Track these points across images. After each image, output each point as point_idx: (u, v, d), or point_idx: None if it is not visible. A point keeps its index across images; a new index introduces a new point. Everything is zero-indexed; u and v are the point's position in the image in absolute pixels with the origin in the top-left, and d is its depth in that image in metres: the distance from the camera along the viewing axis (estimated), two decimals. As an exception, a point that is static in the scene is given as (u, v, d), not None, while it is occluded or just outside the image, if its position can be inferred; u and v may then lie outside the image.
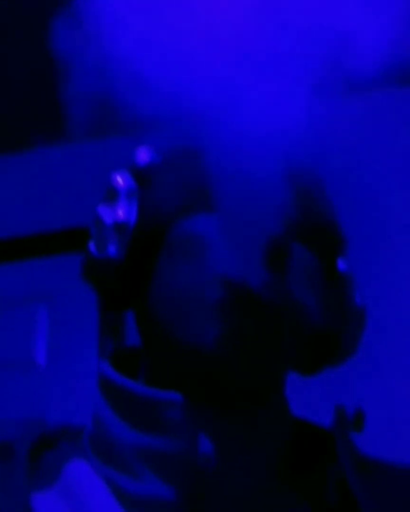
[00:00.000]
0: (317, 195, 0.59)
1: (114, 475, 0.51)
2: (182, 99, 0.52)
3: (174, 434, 0.49)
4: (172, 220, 0.57)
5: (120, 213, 0.58)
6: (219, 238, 0.54)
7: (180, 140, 0.67)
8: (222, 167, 0.55)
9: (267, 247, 0.51)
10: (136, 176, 0.63)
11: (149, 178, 0.62)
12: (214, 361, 0.50)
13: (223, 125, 0.55)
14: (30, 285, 1.84)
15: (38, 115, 1.92)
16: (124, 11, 0.53)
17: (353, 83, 0.51)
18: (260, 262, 0.51)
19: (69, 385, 1.67)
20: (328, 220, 0.58)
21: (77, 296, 1.75)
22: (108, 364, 0.56)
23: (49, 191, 1.96)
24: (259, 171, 0.53)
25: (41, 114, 1.90)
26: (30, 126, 1.96)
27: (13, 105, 1.91)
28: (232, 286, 0.51)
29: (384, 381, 1.49)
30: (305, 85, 0.51)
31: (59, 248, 1.86)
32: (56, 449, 0.56)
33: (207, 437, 0.49)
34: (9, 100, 1.89)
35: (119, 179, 0.61)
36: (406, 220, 1.68)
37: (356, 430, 0.55)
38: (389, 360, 1.51)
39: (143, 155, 0.63)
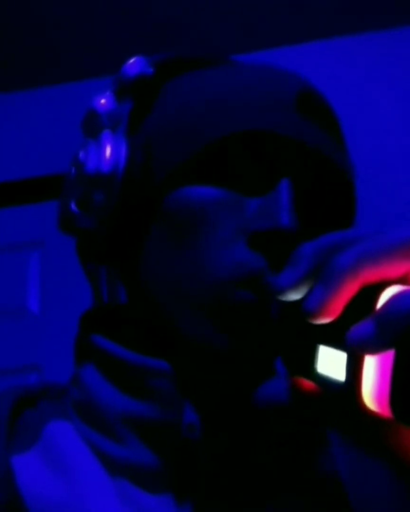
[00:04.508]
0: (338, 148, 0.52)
1: (98, 438, 0.49)
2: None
3: (161, 402, 0.47)
4: (172, 183, 0.48)
5: (106, 155, 0.48)
6: (224, 222, 0.46)
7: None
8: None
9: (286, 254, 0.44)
10: (120, 94, 0.50)
11: (139, 96, 0.50)
12: (210, 355, 0.47)
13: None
14: (22, 231, 1.81)
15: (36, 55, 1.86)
16: None
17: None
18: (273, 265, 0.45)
19: (62, 332, 1.66)
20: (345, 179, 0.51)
21: (69, 242, 1.72)
22: (98, 334, 0.52)
23: (44, 135, 1.91)
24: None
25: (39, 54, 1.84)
26: (32, 65, 1.90)
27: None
28: (228, 292, 0.45)
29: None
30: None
31: (52, 194, 1.82)
32: (37, 408, 0.54)
33: (193, 407, 0.47)
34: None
35: (103, 101, 0.50)
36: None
37: None
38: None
39: (130, 65, 0.50)
